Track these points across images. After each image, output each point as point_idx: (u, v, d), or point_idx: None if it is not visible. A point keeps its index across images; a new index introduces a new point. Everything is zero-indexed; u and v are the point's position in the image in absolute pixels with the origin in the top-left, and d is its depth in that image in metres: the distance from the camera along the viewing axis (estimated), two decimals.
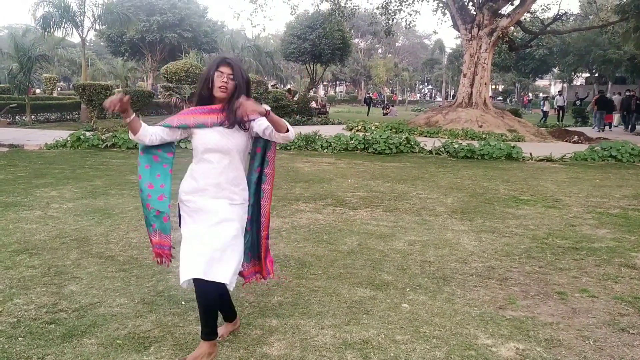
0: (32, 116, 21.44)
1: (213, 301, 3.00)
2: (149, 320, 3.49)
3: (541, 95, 64.96)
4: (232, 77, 2.88)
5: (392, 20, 25.90)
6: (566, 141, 18.54)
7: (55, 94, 36.32)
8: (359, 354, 3.12)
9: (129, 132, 3.01)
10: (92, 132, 14.27)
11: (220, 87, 2.88)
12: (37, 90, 36.88)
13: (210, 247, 2.86)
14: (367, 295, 4.03)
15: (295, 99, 27.60)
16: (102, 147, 12.82)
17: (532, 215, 6.87)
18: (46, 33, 23.18)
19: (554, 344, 3.34)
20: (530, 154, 13.12)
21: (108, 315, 3.55)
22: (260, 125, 2.93)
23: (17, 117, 21.24)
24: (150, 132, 3.00)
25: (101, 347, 3.11)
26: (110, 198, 7.19)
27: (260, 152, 3.17)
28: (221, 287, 2.95)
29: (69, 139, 13.03)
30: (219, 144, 2.92)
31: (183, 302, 3.79)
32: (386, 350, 3.17)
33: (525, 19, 25.61)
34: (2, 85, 31.24)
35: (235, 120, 2.88)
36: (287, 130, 2.86)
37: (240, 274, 3.26)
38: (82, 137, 13.15)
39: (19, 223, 5.82)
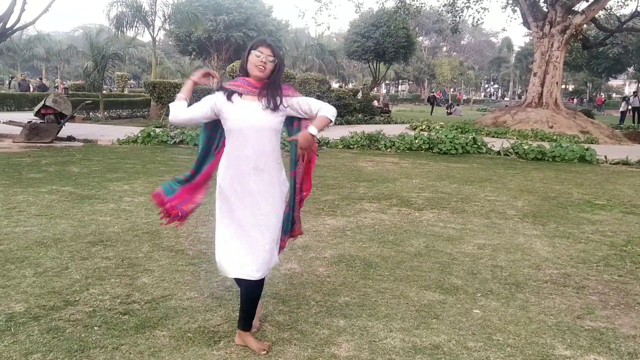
0: (105, 113, 22.31)
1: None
2: (218, 314, 3.52)
3: (614, 95, 62.19)
4: (271, 58, 2.88)
5: (459, 18, 25.38)
6: None
7: (126, 92, 37.71)
8: (430, 359, 3.03)
9: (175, 101, 3.04)
10: (161, 129, 14.68)
11: (257, 66, 2.86)
12: (113, 89, 38.42)
13: (259, 242, 2.92)
14: (436, 299, 3.92)
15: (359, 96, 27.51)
16: (170, 144, 13.17)
17: (609, 221, 6.54)
18: (119, 32, 24.12)
19: (637, 357, 3.15)
20: (605, 156, 12.53)
21: (179, 308, 3.61)
22: (299, 105, 2.99)
23: (91, 113, 22.16)
24: (189, 108, 3.02)
25: (173, 339, 3.16)
26: None
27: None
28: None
29: (139, 135, 13.47)
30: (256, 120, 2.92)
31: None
32: (458, 357, 3.07)
33: (600, 16, 24.53)
34: (77, 82, 32.74)
35: (274, 104, 2.90)
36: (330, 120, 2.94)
37: None
38: (152, 133, 13.56)
39: (94, 215, 6.03)
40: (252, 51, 2.88)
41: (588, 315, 3.73)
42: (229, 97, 2.93)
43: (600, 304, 3.95)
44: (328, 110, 2.94)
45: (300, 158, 2.99)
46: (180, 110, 2.99)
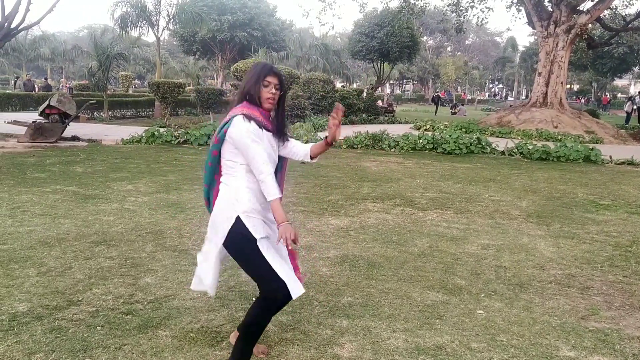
0: (109, 112, 22.34)
1: None
2: (221, 315, 3.52)
3: (620, 95, 61.91)
4: (278, 87, 2.82)
5: (463, 18, 25.32)
6: None
7: (130, 92, 37.78)
8: None
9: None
10: (165, 129, 14.70)
11: (268, 99, 2.79)
12: (117, 89, 38.47)
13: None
14: (439, 299, 3.91)
15: (364, 95, 27.47)
16: (174, 143, 13.18)
17: (614, 222, 6.51)
18: (124, 32, 24.14)
19: None
20: (610, 156, 12.48)
21: (182, 308, 3.61)
22: (292, 145, 2.99)
23: (95, 113, 22.20)
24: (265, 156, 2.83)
25: (175, 339, 3.16)
26: (183, 193, 7.36)
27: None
28: None
29: (143, 134, 13.48)
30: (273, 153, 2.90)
31: (254, 298, 3.78)
32: (461, 358, 3.05)
33: (605, 15, 24.41)
34: (82, 82, 32.82)
35: (282, 133, 2.91)
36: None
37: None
38: (156, 133, 13.57)
39: (98, 215, 6.04)
40: (261, 82, 2.77)
41: (592, 316, 3.71)
42: (260, 126, 2.82)
43: (604, 305, 3.93)
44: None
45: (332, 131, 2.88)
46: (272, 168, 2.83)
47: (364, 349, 3.12)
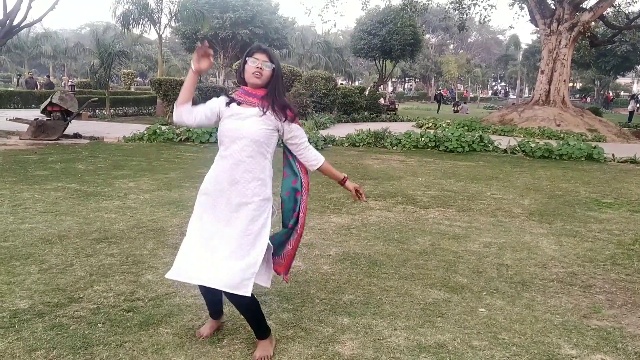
0: (111, 110, 22.35)
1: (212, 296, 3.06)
2: (222, 312, 3.51)
3: (622, 93, 61.70)
4: (267, 64, 2.80)
5: (466, 15, 25.27)
6: None
7: (132, 89, 37.79)
8: (434, 358, 3.01)
9: (179, 100, 2.88)
10: (167, 126, 14.70)
11: (254, 73, 2.79)
12: (119, 87, 38.49)
13: (213, 251, 2.83)
14: (441, 297, 3.90)
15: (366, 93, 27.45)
16: (176, 141, 13.18)
17: (617, 220, 6.49)
18: (125, 30, 24.13)
19: None
20: (613, 155, 12.46)
21: (183, 305, 3.60)
22: (290, 132, 2.91)
23: (97, 110, 22.21)
24: (194, 110, 2.91)
25: (176, 337, 3.15)
26: (185, 190, 7.36)
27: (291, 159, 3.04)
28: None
29: (145, 132, 13.48)
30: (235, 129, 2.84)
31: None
32: (463, 356, 3.04)
33: (608, 13, 24.36)
34: (84, 80, 32.84)
35: (279, 110, 2.85)
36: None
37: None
38: (157, 130, 13.58)
39: (99, 212, 6.04)
40: (247, 59, 2.82)
41: (595, 315, 3.70)
42: (228, 104, 2.89)
43: (607, 303, 3.92)
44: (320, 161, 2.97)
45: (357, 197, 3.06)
46: (186, 115, 2.89)
47: (365, 347, 3.11)
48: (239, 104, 2.86)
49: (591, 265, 4.77)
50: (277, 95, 2.85)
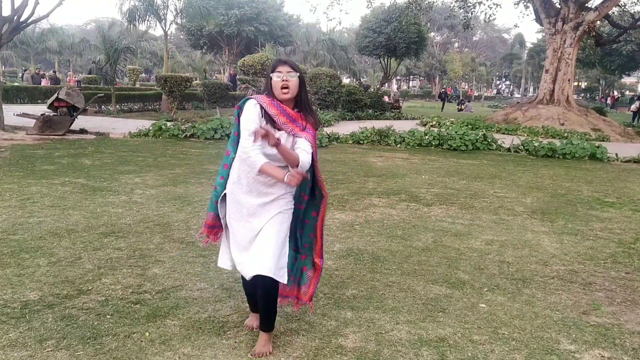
0: (117, 106, 22.45)
1: (254, 291, 3.11)
2: (228, 305, 3.59)
3: (627, 93, 61.51)
4: (292, 74, 2.85)
5: (471, 14, 25.26)
6: None
7: (137, 85, 37.90)
8: (435, 351, 3.08)
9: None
10: (172, 122, 14.78)
11: (282, 89, 2.84)
12: (126, 79, 38.60)
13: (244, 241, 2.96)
14: (442, 293, 3.96)
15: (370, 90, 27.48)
16: (181, 137, 13.26)
17: (618, 219, 6.54)
18: (131, 26, 24.22)
19: None
20: (616, 154, 12.48)
21: (189, 298, 3.68)
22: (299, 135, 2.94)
23: (102, 106, 22.31)
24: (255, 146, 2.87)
25: (183, 328, 3.23)
26: (190, 186, 7.43)
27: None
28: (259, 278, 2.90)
29: (151, 128, 13.56)
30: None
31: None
32: (463, 350, 3.11)
33: (613, 12, 24.33)
34: (90, 75, 32.95)
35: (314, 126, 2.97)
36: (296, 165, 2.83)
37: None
38: (163, 126, 13.65)
39: (106, 207, 6.12)
40: (272, 75, 2.87)
41: (594, 311, 3.76)
42: (262, 115, 2.88)
43: (606, 300, 3.97)
44: (303, 159, 2.84)
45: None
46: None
47: (367, 340, 3.18)
48: (275, 126, 2.86)
49: (592, 263, 4.82)
50: (304, 106, 2.95)
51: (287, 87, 2.85)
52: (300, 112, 2.94)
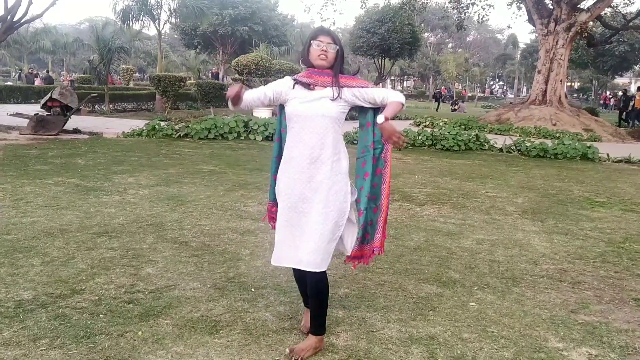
0: (110, 105, 22.41)
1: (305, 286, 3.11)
2: (221, 304, 3.62)
3: (620, 93, 61.84)
4: (332, 45, 2.87)
5: (464, 14, 25.37)
6: None
7: (131, 85, 37.82)
8: (425, 349, 3.12)
9: (230, 103, 2.89)
10: (166, 122, 14.77)
11: (319, 56, 2.86)
12: (117, 78, 38.48)
13: (299, 233, 2.94)
14: (433, 292, 4.01)
15: None
16: (175, 137, 13.26)
17: (608, 219, 6.61)
18: (125, 26, 24.18)
19: (629, 351, 3.22)
20: (607, 154, 12.58)
21: (182, 298, 3.70)
22: (363, 95, 2.95)
23: (96, 106, 22.27)
24: (249, 99, 2.94)
25: (176, 327, 3.26)
26: (183, 186, 7.45)
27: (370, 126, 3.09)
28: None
29: (144, 128, 13.55)
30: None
31: (253, 289, 3.90)
32: (453, 348, 3.15)
33: (605, 13, 24.47)
34: (83, 75, 32.86)
35: (338, 93, 2.92)
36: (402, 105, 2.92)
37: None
38: (156, 126, 13.65)
39: (99, 207, 6.13)
40: (311, 42, 2.89)
41: (582, 310, 3.81)
42: (294, 86, 2.95)
43: (595, 299, 4.03)
44: (396, 96, 2.94)
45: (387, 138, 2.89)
46: (247, 101, 2.92)
47: (358, 338, 3.22)
48: (308, 87, 2.91)
49: (581, 262, 4.88)
50: (337, 76, 2.93)
51: (325, 57, 2.87)
52: (335, 80, 2.93)
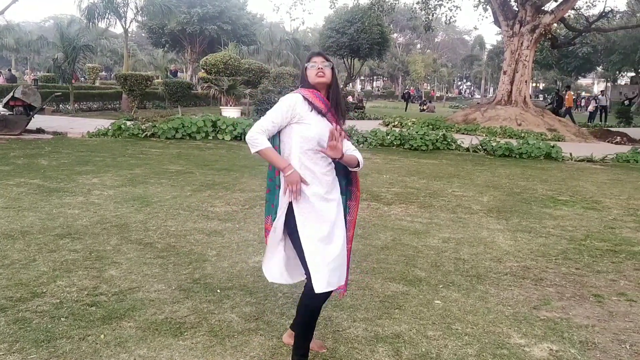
0: (75, 105, 21.98)
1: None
2: (185, 306, 3.58)
3: (583, 93, 63.34)
4: (326, 63, 2.95)
5: (432, 16, 25.61)
6: (608, 142, 18.15)
7: (97, 84, 37.15)
8: (390, 347, 3.14)
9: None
10: (132, 122, 14.55)
11: (317, 74, 2.91)
12: (82, 79, 37.76)
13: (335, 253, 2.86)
14: (399, 290, 4.04)
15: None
16: (141, 137, 13.07)
17: (570, 216, 6.76)
18: (90, 24, 23.70)
19: (589, 346, 3.30)
20: (570, 154, 12.86)
21: (146, 300, 3.65)
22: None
23: (61, 105, 21.81)
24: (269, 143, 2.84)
25: (139, 330, 3.21)
26: (149, 187, 7.35)
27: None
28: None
29: (110, 127, 13.33)
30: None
31: (218, 290, 3.87)
32: (417, 346, 3.18)
33: (569, 15, 25.02)
34: (47, 74, 32.14)
35: (338, 111, 3.01)
36: (357, 165, 2.96)
37: None
38: (122, 126, 13.44)
39: (62, 208, 6.01)
40: (307, 65, 2.96)
41: (544, 306, 3.89)
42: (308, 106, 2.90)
43: (556, 296, 4.11)
44: (360, 157, 3.00)
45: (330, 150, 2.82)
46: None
47: (324, 338, 3.22)
48: (320, 113, 2.90)
49: (544, 259, 4.98)
50: (339, 97, 3.03)
51: (322, 74, 2.92)
52: (331, 103, 2.98)
